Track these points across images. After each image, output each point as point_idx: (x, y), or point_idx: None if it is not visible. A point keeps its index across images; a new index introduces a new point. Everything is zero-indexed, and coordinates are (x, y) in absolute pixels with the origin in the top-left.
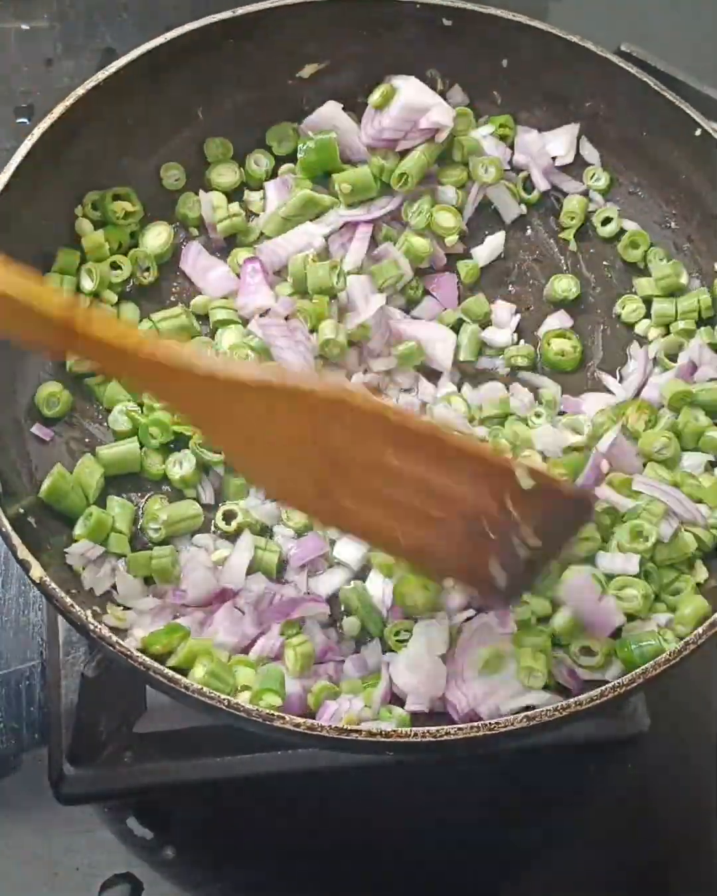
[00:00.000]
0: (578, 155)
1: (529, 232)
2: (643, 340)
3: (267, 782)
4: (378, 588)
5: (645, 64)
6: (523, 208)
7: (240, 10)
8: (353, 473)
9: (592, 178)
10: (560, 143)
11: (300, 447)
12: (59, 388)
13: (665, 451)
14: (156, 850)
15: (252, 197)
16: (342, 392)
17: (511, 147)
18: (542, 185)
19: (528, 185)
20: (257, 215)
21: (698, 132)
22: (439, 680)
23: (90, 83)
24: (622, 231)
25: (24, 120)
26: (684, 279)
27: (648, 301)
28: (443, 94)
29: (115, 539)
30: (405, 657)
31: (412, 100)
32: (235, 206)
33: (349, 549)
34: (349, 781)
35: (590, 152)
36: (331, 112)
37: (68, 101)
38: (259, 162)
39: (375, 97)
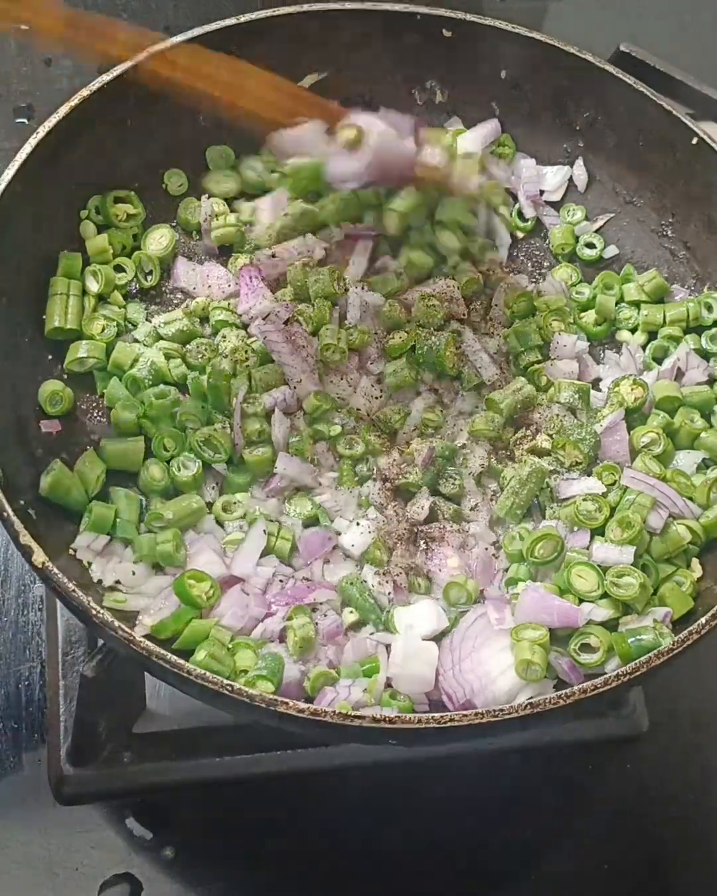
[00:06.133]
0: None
1: (522, 253)
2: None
3: (267, 782)
4: (374, 579)
5: (644, 64)
6: (517, 235)
7: (243, 18)
8: None
9: (569, 213)
10: (553, 180)
11: None
12: (61, 386)
13: (654, 448)
14: (155, 849)
15: (243, 207)
16: None
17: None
18: (528, 212)
19: (522, 215)
20: (250, 224)
21: (694, 140)
22: (430, 668)
23: (93, 86)
24: (601, 258)
25: (24, 120)
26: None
27: (635, 306)
28: (442, 105)
29: (122, 525)
30: (397, 644)
31: (385, 147)
32: (233, 217)
33: (354, 539)
34: (350, 781)
35: (580, 175)
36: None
37: (72, 103)
38: (255, 167)
39: (344, 137)
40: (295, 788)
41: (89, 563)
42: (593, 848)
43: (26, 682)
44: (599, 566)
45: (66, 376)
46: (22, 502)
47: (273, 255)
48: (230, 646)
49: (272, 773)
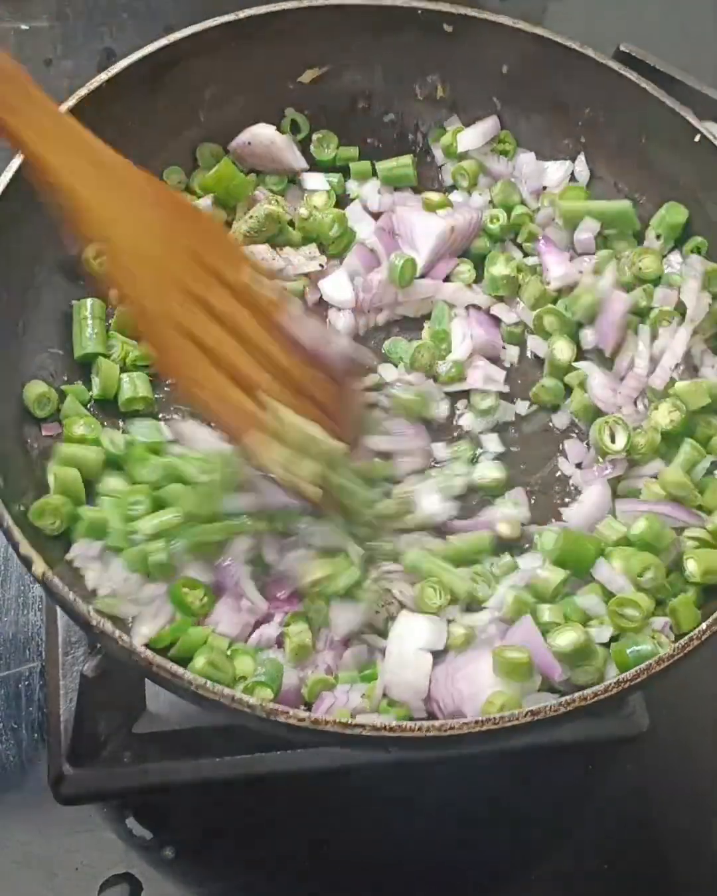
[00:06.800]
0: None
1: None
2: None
3: (267, 782)
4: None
5: (644, 64)
6: None
7: (242, 14)
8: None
9: None
10: (555, 175)
11: (162, 238)
12: (46, 387)
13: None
14: (155, 850)
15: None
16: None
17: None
18: (531, 203)
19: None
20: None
21: (697, 138)
22: (424, 677)
23: (91, 85)
24: None
25: None
26: None
27: None
28: (443, 100)
29: (112, 534)
30: (391, 651)
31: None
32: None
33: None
34: (349, 781)
35: (582, 171)
36: (261, 132)
37: (69, 103)
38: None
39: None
40: (295, 788)
41: (84, 571)
42: (593, 848)
43: (26, 682)
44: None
45: (49, 378)
46: (21, 508)
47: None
48: (229, 652)
49: (272, 773)
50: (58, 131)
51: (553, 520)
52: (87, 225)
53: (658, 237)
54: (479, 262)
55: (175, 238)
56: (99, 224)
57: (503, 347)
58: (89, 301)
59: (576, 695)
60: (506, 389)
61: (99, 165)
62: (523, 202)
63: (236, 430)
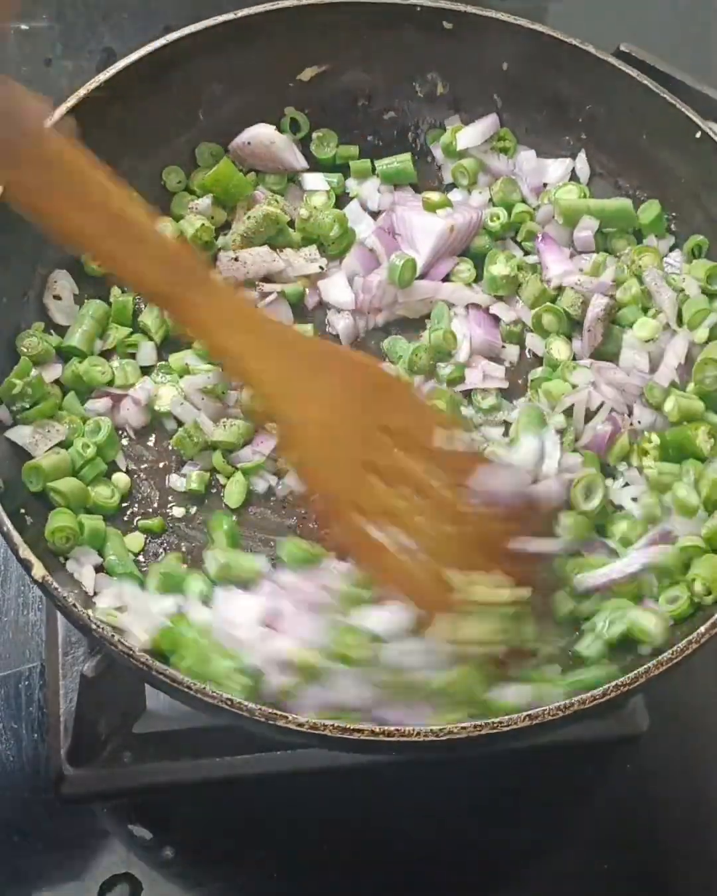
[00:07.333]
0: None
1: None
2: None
3: (267, 782)
4: None
5: (644, 64)
6: None
7: (241, 12)
8: (386, 462)
9: None
10: (555, 172)
11: (348, 416)
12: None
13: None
14: (155, 850)
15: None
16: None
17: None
18: (532, 201)
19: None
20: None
21: (698, 135)
22: None
23: (90, 85)
24: None
25: None
26: None
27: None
28: (443, 98)
29: (116, 564)
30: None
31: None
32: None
33: None
34: (349, 781)
35: (582, 168)
36: (261, 132)
37: (69, 103)
38: None
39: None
40: (295, 788)
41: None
42: (592, 848)
43: (26, 682)
44: None
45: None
46: (22, 511)
47: (236, 259)
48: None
49: (272, 773)
50: (234, 312)
51: None
52: (273, 407)
53: (657, 236)
54: (479, 261)
55: (365, 413)
56: (285, 407)
57: (503, 346)
58: (93, 303)
59: (575, 699)
60: (505, 385)
61: (282, 345)
62: (523, 200)
63: (427, 612)
